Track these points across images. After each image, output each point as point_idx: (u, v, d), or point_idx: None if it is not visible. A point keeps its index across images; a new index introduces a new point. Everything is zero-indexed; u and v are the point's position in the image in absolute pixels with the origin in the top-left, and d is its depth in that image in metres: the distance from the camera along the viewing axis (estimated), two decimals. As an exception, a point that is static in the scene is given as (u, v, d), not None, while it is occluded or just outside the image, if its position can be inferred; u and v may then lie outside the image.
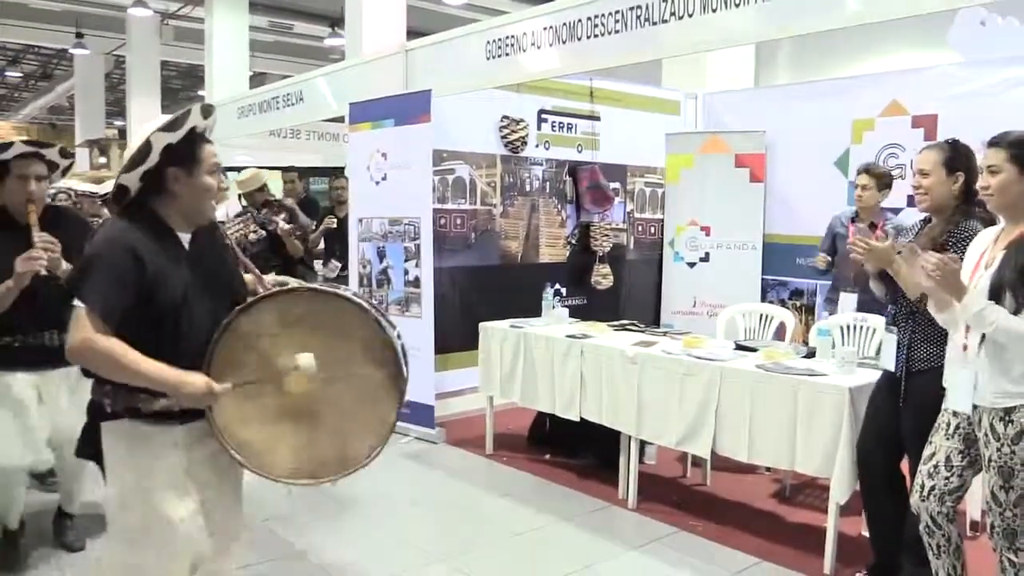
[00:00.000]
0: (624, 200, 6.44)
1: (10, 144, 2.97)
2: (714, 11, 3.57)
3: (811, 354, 3.69)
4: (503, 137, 5.66)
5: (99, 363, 1.94)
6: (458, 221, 5.47)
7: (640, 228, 6.63)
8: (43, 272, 2.77)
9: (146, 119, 1.86)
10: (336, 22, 13.63)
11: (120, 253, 1.95)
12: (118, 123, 20.48)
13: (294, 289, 2.10)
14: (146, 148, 2.01)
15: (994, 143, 2.51)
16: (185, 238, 2.13)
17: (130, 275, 1.94)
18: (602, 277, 6.15)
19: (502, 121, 5.64)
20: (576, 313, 5.27)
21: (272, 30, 15.00)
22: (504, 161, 5.69)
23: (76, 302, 1.92)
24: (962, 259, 2.64)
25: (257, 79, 16.03)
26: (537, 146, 5.86)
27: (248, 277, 2.28)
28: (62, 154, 3.16)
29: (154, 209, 2.09)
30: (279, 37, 15.56)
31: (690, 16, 3.63)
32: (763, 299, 6.04)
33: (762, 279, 6.24)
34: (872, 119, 5.65)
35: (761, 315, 5.03)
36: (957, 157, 2.87)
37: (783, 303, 6.05)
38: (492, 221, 5.65)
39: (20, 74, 20.69)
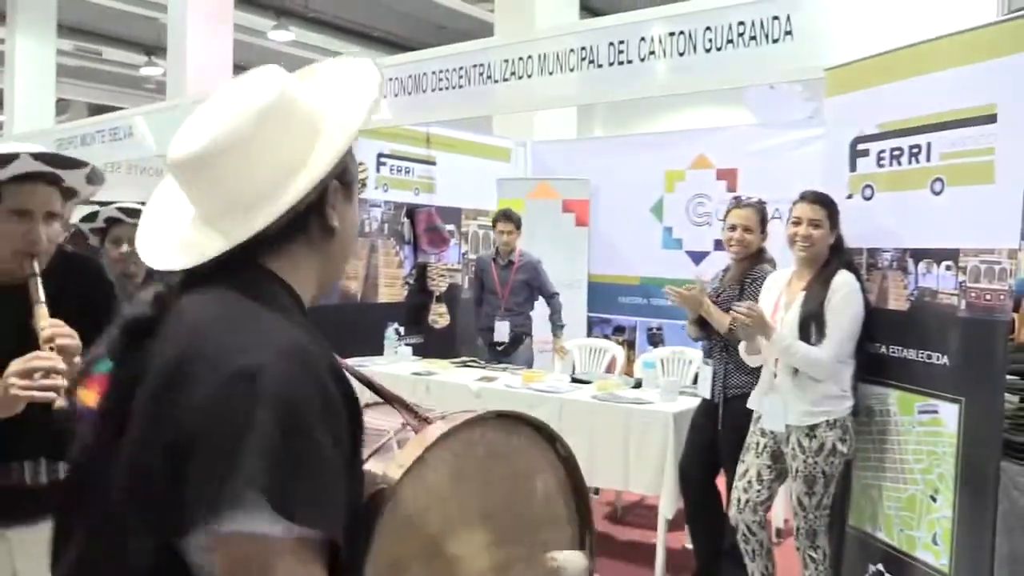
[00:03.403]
0: (459, 241, 6.69)
1: (13, 156, 1.68)
2: (550, 74, 3.92)
3: (638, 384, 4.07)
4: (343, 179, 5.76)
5: None
6: (298, 261, 5.49)
7: (474, 268, 6.89)
8: (60, 403, 1.49)
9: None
10: (152, 51, 13.16)
11: (329, 399, 0.88)
12: None
13: (481, 418, 1.16)
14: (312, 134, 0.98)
15: (815, 200, 2.89)
16: None
17: (347, 447, 0.90)
18: (439, 316, 6.35)
19: (342, 164, 5.75)
20: (415, 351, 5.42)
21: (78, 55, 14.17)
22: (344, 202, 5.78)
23: (250, 525, 0.78)
24: (757, 296, 3.10)
25: (60, 105, 15.06)
26: (376, 188, 6.01)
27: None
28: (90, 179, 1.84)
29: (276, 276, 0.99)
30: (86, 63, 14.72)
31: (529, 77, 3.97)
32: (589, 335, 6.46)
33: (588, 316, 6.67)
34: (683, 171, 6.25)
35: (593, 349, 5.46)
36: (765, 216, 3.39)
37: (607, 338, 6.50)
38: (332, 261, 5.71)
39: None
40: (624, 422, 3.64)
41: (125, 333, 0.95)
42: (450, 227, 6.53)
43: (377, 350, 5.21)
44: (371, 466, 1.05)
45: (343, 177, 1.01)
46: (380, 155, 6.03)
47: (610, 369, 5.21)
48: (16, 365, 1.52)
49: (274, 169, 0.94)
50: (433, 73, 4.39)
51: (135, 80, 14.83)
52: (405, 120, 4.77)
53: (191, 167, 0.95)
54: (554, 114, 7.98)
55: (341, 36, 12.76)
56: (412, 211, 6.27)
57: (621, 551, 4.07)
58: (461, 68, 4.26)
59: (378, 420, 1.21)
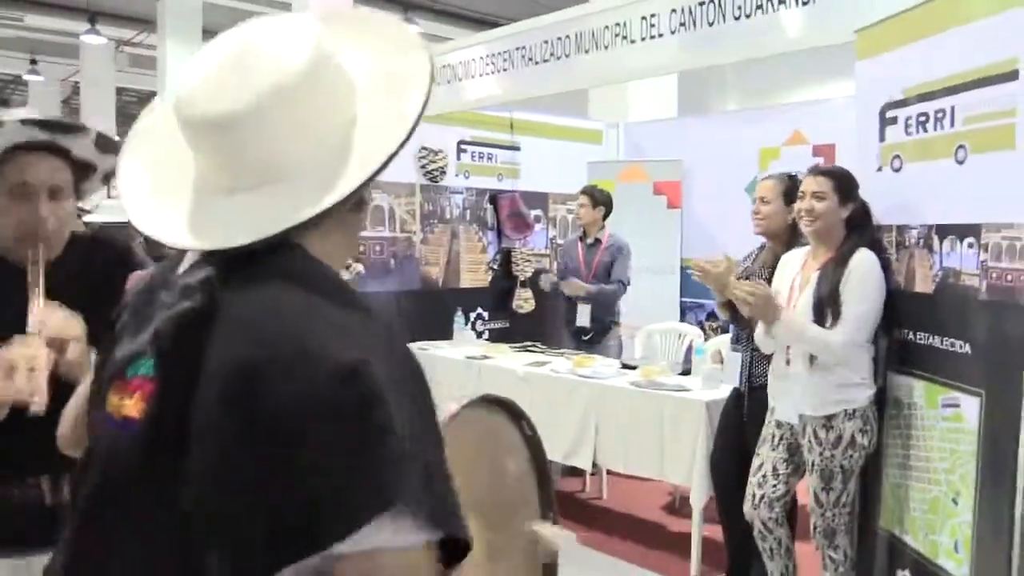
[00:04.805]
0: (546, 226, 6.65)
1: None
2: (633, 42, 3.81)
3: (687, 371, 3.91)
4: (422, 167, 5.86)
5: None
6: (377, 248, 5.64)
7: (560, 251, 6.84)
8: (36, 408, 1.32)
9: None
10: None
11: (421, 376, 0.84)
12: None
13: (465, 407, 1.19)
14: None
15: (820, 172, 2.72)
16: None
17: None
18: (524, 301, 6.35)
19: (420, 152, 5.84)
20: (499, 336, 5.44)
21: (227, 58, 15.16)
22: (424, 190, 5.89)
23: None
24: None
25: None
26: (457, 175, 6.07)
27: None
28: (101, 146, 1.57)
29: (309, 254, 0.87)
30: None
31: (606, 48, 3.90)
32: (682, 321, 6.25)
33: (681, 301, 6.47)
34: (777, 148, 5.93)
35: (676, 333, 5.31)
36: (794, 190, 3.10)
37: (701, 325, 6.27)
38: (412, 248, 5.84)
39: (-26, 100, 20.65)
40: (659, 409, 3.52)
41: (176, 327, 0.80)
42: (536, 212, 6.50)
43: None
44: None
45: None
46: (460, 142, 6.08)
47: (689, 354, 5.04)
48: None
49: (322, 135, 0.83)
50: (525, 48, 4.42)
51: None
52: (509, 96, 4.81)
53: (225, 127, 0.81)
54: (651, 94, 7.76)
55: (468, 26, 12.93)
56: (495, 197, 6.29)
57: (668, 542, 3.94)
58: (561, 38, 4.22)
59: None
